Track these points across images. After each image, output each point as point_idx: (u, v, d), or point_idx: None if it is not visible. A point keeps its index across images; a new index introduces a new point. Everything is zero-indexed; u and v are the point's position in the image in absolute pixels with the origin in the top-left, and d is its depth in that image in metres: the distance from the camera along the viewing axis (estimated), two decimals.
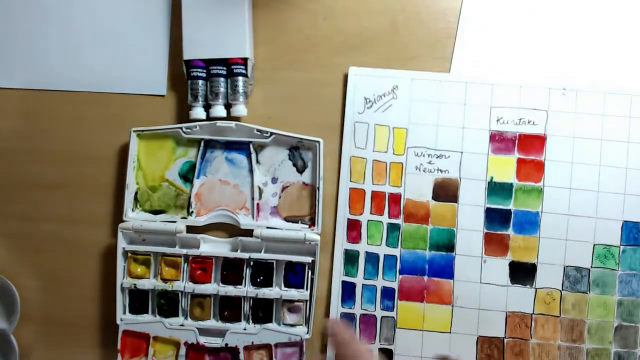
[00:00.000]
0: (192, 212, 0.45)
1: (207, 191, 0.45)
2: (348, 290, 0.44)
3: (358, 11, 0.46)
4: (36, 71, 0.47)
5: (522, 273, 0.44)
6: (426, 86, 0.45)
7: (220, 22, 0.44)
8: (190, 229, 0.45)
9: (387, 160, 0.45)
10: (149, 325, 0.44)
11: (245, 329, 0.44)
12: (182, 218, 0.45)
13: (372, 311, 0.44)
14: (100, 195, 0.47)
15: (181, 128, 0.44)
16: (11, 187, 0.47)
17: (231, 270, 0.44)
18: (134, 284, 0.44)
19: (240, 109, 0.44)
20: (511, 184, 0.44)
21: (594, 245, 0.43)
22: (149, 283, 0.44)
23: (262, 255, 0.44)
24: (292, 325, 0.44)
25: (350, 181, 0.45)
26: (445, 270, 0.44)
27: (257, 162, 0.45)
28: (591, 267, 0.43)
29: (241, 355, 0.43)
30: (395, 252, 0.44)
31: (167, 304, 0.44)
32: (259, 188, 0.45)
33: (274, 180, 0.45)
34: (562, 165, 0.44)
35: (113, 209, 0.46)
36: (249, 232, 0.44)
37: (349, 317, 0.44)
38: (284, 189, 0.45)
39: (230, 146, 0.45)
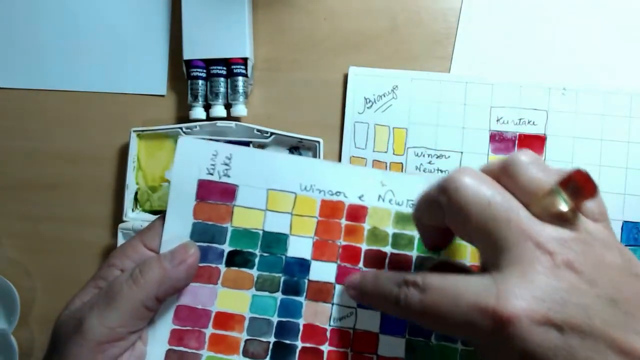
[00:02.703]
0: None
1: None
2: None
3: (358, 11, 0.46)
4: (36, 71, 0.47)
5: None
6: (426, 86, 0.45)
7: (220, 22, 0.44)
8: None
9: (387, 161, 0.45)
10: None
11: None
12: None
13: None
14: (100, 195, 0.47)
15: (181, 128, 0.44)
16: (11, 187, 0.47)
17: None
18: None
19: (240, 109, 0.44)
20: None
21: None
22: None
23: None
24: None
25: None
26: None
27: None
28: None
29: None
30: None
31: None
32: None
33: None
34: (562, 165, 0.44)
35: (113, 209, 0.46)
36: None
37: None
38: None
39: None
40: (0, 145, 0.47)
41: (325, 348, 0.29)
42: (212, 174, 0.30)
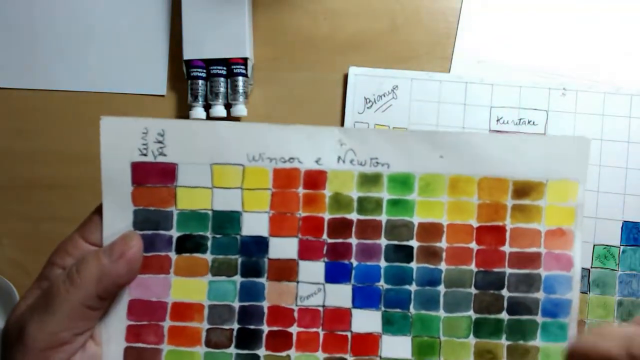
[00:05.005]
0: None
1: None
2: None
3: (358, 11, 0.46)
4: (36, 71, 0.47)
5: None
6: (426, 86, 0.45)
7: (220, 22, 0.44)
8: None
9: None
10: None
11: None
12: None
13: None
14: (100, 195, 0.46)
15: None
16: (11, 187, 0.47)
17: None
18: None
19: (240, 109, 0.44)
20: None
21: (594, 245, 0.43)
22: None
23: None
24: None
25: None
26: None
27: None
28: (591, 267, 0.43)
29: None
30: None
31: None
32: None
33: None
34: None
35: None
36: None
37: None
38: None
39: None
40: (0, 145, 0.47)
41: (294, 330, 0.27)
42: (145, 155, 0.27)
